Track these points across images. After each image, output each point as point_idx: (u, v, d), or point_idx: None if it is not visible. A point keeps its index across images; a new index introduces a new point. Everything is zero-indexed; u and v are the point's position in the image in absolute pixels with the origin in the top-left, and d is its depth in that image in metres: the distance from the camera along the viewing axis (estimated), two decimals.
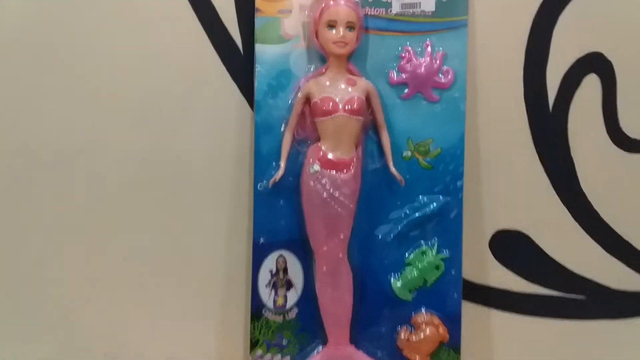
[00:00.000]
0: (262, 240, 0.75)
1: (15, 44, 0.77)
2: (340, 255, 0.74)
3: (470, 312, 0.81)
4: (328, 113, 0.72)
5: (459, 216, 0.75)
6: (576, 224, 0.82)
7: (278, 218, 0.75)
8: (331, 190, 0.72)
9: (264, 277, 0.75)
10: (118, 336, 0.81)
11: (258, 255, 0.75)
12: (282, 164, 0.73)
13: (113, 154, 0.79)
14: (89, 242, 0.80)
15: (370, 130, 0.75)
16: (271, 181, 0.73)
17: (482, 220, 0.82)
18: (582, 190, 0.82)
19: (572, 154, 0.81)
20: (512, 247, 0.82)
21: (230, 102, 0.78)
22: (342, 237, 0.73)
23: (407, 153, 0.75)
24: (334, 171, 0.72)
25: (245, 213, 0.78)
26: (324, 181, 0.72)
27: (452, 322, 0.76)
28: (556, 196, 0.82)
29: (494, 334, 0.84)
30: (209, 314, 0.81)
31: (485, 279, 0.83)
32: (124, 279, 0.81)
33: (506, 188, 0.81)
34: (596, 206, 0.82)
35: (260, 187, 0.74)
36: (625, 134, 0.81)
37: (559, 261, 0.83)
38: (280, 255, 0.75)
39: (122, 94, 0.78)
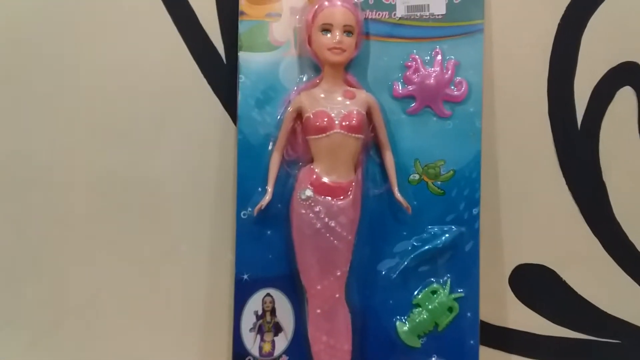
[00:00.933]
0: (245, 276, 0.71)
1: None
2: (337, 295, 0.69)
3: (488, 358, 0.78)
4: (322, 130, 0.67)
5: (476, 249, 0.72)
6: (609, 258, 0.80)
7: (265, 251, 0.71)
8: (326, 219, 0.67)
9: (248, 319, 0.71)
10: None
11: (241, 294, 0.71)
12: (270, 188, 0.69)
13: (80, 176, 0.76)
14: (52, 273, 0.76)
15: (371, 150, 0.72)
16: (256, 208, 0.69)
17: (501, 254, 0.79)
18: (615, 218, 0.79)
19: (604, 178, 0.79)
20: (535, 283, 0.80)
21: (211, 118, 0.75)
22: (338, 274, 0.69)
23: (415, 176, 0.72)
24: (330, 197, 0.68)
25: (228, 245, 0.74)
26: (317, 209, 0.67)
27: None
28: (586, 225, 0.79)
29: None
30: None
31: (505, 320, 0.80)
32: (88, 321, 0.77)
33: (529, 217, 0.79)
34: (632, 237, 0.80)
35: (244, 215, 0.70)
36: None
37: (589, 300, 0.80)
38: (267, 295, 0.71)
39: (89, 109, 0.75)
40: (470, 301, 0.72)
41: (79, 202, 0.75)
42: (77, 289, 0.76)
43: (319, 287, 0.68)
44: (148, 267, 0.76)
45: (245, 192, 0.70)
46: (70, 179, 0.75)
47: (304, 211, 0.67)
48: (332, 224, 0.67)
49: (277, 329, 0.71)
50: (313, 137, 0.68)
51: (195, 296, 0.76)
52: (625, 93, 0.77)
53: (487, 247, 0.75)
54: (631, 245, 0.79)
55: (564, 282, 0.79)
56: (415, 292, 0.72)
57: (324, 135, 0.67)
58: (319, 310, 0.69)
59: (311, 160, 0.69)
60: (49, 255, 0.75)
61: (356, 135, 0.67)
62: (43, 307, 0.76)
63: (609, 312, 0.79)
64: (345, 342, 0.69)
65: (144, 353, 0.77)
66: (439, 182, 0.71)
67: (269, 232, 0.70)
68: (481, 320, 0.76)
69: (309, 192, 0.67)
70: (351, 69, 0.71)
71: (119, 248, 0.76)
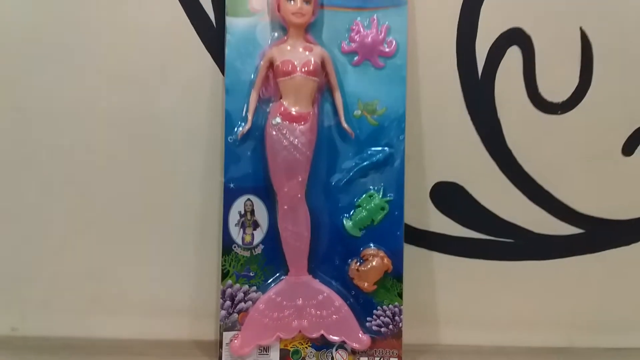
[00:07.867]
0: (232, 185, 0.82)
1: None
2: (299, 196, 0.81)
3: (413, 254, 0.88)
4: (288, 74, 0.79)
5: (402, 164, 0.82)
6: (503, 176, 0.89)
7: (246, 166, 0.82)
8: (291, 138, 0.79)
9: (234, 217, 0.82)
10: (102, 279, 0.89)
11: (229, 199, 0.82)
12: (250, 116, 0.80)
13: (101, 113, 0.88)
14: (76, 190, 0.89)
15: (326, 92, 0.82)
16: (239, 134, 0.81)
17: (423, 173, 0.89)
18: (507, 146, 0.89)
19: (499, 115, 0.88)
20: (449, 196, 0.89)
21: (203, 69, 0.87)
22: (300, 179, 0.80)
23: (357, 112, 0.82)
24: (294, 123, 0.79)
25: (218, 162, 0.86)
26: (284, 131, 0.79)
27: (396, 255, 0.83)
28: (486, 152, 0.89)
29: (433, 273, 0.91)
30: (186, 251, 0.89)
31: (427, 224, 0.90)
32: (107, 225, 0.89)
33: (443, 144, 0.88)
34: (520, 160, 0.89)
35: (230, 139, 0.81)
36: (543, 97, 0.88)
37: (489, 209, 0.90)
38: (248, 199, 0.82)
39: (110, 64, 0.87)
40: (397, 203, 0.81)
41: (102, 134, 0.87)
42: (98, 200, 0.88)
43: (285, 189, 0.79)
44: (157, 182, 0.87)
45: (231, 122, 0.81)
46: (95, 117, 0.87)
47: (274, 133, 0.79)
48: (295, 142, 0.78)
49: (256, 225, 0.81)
50: (281, 79, 0.79)
51: (195, 201, 0.87)
52: (513, 51, 0.86)
53: (412, 168, 0.84)
54: (520, 166, 0.88)
55: (471, 195, 0.88)
56: (357, 197, 0.82)
57: (289, 77, 0.78)
58: (285, 207, 0.80)
59: (280, 97, 0.80)
60: (78, 173, 0.87)
61: (313, 78, 0.79)
62: (72, 210, 0.87)
63: (504, 217, 0.89)
64: (305, 230, 0.80)
65: (154, 244, 0.88)
66: (375, 116, 0.81)
67: (249, 153, 0.81)
68: (407, 224, 0.85)
69: (278, 119, 0.79)
70: (310, 31, 0.81)
71: (131, 167, 0.87)
